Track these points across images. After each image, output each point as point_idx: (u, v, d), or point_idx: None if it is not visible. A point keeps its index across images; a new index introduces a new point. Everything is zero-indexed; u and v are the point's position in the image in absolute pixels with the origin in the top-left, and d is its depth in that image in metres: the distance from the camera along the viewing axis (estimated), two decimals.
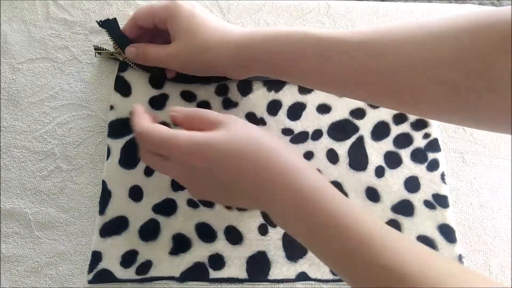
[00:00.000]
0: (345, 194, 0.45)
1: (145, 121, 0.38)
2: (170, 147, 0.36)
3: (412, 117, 0.48)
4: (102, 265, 0.42)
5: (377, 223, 0.33)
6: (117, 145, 0.46)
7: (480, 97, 0.32)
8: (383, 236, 0.31)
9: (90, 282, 0.41)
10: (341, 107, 0.49)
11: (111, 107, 0.48)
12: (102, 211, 0.44)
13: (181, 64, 0.45)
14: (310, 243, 0.35)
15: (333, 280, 0.42)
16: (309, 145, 0.47)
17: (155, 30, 0.47)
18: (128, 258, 0.42)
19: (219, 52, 0.43)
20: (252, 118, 0.48)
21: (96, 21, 0.47)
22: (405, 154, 0.47)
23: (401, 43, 0.34)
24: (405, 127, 0.48)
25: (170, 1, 0.44)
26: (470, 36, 0.31)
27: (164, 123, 0.38)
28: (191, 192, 0.40)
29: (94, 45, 0.49)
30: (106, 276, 0.41)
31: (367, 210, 0.37)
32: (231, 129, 0.36)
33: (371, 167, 0.46)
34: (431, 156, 0.47)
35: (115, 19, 0.47)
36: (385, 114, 0.49)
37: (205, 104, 0.48)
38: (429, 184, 0.46)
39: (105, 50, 0.49)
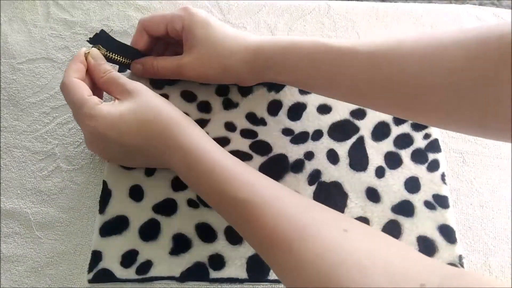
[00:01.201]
0: (345, 194, 0.45)
1: (73, 73, 0.42)
2: (85, 112, 0.39)
3: None
4: (102, 265, 0.42)
5: (232, 162, 0.39)
6: None
7: (487, 105, 0.32)
8: (231, 169, 0.38)
9: (90, 281, 0.41)
10: (342, 108, 0.49)
11: None
12: (102, 210, 0.44)
13: (198, 72, 0.45)
14: (198, 190, 0.41)
15: None
16: (310, 145, 0.47)
17: (163, 40, 0.48)
18: (128, 258, 0.42)
19: (238, 58, 0.44)
20: (252, 118, 0.48)
21: (87, 41, 0.45)
22: (405, 154, 0.47)
23: (411, 52, 0.36)
24: (405, 128, 0.48)
25: (184, 9, 0.45)
26: (479, 46, 0.32)
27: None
28: (99, 155, 0.45)
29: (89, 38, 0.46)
30: (106, 275, 0.41)
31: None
32: (137, 100, 0.41)
33: (371, 168, 0.46)
34: (431, 156, 0.47)
35: (102, 30, 0.45)
36: (385, 115, 0.49)
37: (205, 104, 0.49)
38: (430, 184, 0.46)
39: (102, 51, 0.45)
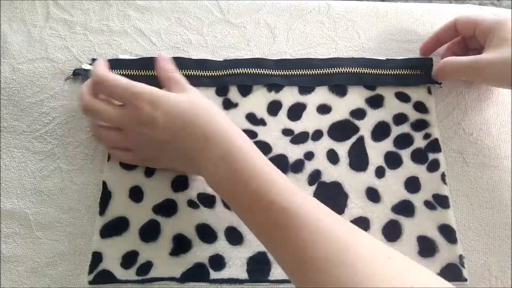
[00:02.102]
0: (345, 195, 0.45)
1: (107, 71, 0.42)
2: (132, 91, 0.39)
3: (412, 118, 0.48)
4: (102, 266, 0.42)
5: (270, 168, 0.37)
6: None
7: None
8: (272, 172, 0.36)
9: (90, 283, 0.41)
10: (342, 108, 0.49)
11: None
12: (102, 211, 0.44)
13: (494, 74, 0.44)
14: (227, 197, 0.38)
15: None
16: (310, 145, 0.47)
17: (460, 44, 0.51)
18: (128, 259, 0.42)
19: None
20: (252, 118, 0.48)
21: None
22: (405, 154, 0.47)
23: None
24: (405, 128, 0.48)
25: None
26: None
27: None
28: (135, 150, 0.43)
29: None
30: (106, 276, 0.41)
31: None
32: (192, 94, 0.41)
33: (371, 168, 0.46)
34: (431, 156, 0.47)
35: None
36: (385, 114, 0.49)
37: None
38: (430, 184, 0.46)
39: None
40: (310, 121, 0.48)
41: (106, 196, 0.44)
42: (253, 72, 0.50)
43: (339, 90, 0.50)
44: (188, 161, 0.41)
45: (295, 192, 0.35)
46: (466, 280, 0.42)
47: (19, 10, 0.53)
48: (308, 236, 0.32)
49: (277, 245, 0.34)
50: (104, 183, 0.45)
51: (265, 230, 0.35)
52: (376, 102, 0.49)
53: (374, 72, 0.50)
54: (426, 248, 0.43)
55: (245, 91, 0.49)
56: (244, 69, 0.50)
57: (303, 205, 0.34)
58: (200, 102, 0.41)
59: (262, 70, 0.50)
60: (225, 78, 0.49)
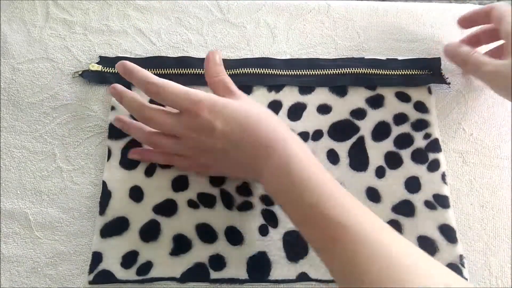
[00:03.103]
0: None
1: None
2: (192, 99, 0.39)
3: (412, 118, 0.48)
4: (102, 266, 0.42)
5: (327, 180, 0.36)
6: (117, 146, 0.46)
7: None
8: (329, 185, 0.36)
9: (90, 282, 0.41)
10: (342, 108, 0.49)
11: (112, 108, 0.48)
12: (102, 211, 0.43)
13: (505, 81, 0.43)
14: (284, 207, 0.38)
15: (333, 281, 0.42)
16: (310, 145, 0.47)
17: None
18: (128, 259, 0.42)
19: None
20: None
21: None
22: (405, 154, 0.47)
23: None
24: (405, 128, 0.48)
25: None
26: None
27: None
28: (192, 157, 0.43)
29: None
30: (106, 276, 0.41)
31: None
32: (245, 100, 0.42)
33: (371, 168, 0.46)
34: (431, 156, 0.47)
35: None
36: (385, 114, 0.49)
37: None
38: (430, 184, 0.45)
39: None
40: (310, 121, 0.48)
41: (106, 196, 0.44)
42: (259, 72, 0.50)
43: (339, 90, 0.50)
44: (248, 169, 0.41)
45: (352, 206, 0.35)
46: (466, 280, 0.42)
47: (19, 10, 0.53)
48: (362, 251, 0.31)
49: (332, 258, 0.34)
50: (104, 183, 0.45)
51: (320, 243, 0.35)
52: (376, 102, 0.49)
53: (383, 73, 0.50)
54: (426, 248, 0.43)
55: (245, 91, 0.49)
56: (250, 69, 0.50)
57: (359, 221, 0.33)
58: (255, 108, 0.40)
59: (269, 70, 0.50)
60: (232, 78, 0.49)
